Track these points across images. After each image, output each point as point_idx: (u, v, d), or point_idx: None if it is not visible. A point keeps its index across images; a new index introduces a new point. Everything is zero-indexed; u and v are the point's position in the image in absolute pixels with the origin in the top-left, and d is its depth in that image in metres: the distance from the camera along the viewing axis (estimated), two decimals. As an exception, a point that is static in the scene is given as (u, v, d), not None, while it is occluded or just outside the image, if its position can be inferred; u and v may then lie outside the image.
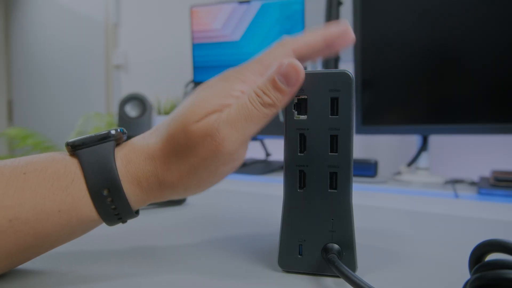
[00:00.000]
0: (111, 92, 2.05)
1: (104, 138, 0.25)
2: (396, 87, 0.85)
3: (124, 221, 0.26)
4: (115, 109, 1.98)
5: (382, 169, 0.96)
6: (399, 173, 0.90)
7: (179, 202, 0.50)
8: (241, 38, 1.07)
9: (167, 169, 0.24)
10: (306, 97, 0.25)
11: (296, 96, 0.25)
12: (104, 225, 0.26)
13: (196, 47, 1.13)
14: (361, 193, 0.63)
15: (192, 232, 0.37)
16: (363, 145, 1.14)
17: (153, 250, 0.31)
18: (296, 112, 0.25)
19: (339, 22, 0.27)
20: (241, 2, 1.06)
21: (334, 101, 0.25)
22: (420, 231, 0.38)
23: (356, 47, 0.88)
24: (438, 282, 0.25)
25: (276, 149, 1.12)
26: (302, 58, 0.26)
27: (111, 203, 0.24)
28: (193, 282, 0.25)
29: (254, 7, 1.05)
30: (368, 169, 0.82)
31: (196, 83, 1.15)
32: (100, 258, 0.29)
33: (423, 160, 0.86)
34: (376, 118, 0.87)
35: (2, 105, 2.80)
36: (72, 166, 0.24)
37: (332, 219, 0.25)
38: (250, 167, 0.94)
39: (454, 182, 0.79)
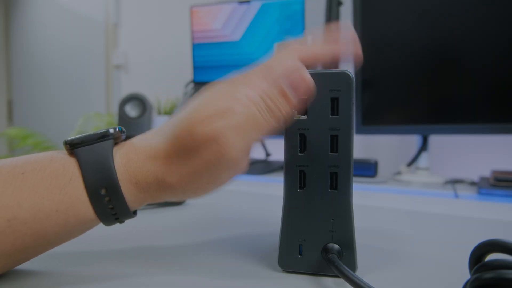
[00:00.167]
0: (111, 92, 2.05)
1: (102, 137, 0.25)
2: (396, 87, 0.85)
3: (121, 222, 0.26)
4: (115, 109, 1.98)
5: (382, 169, 0.96)
6: (399, 173, 0.90)
7: (179, 202, 0.50)
8: (241, 38, 1.07)
9: (168, 170, 0.24)
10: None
11: (296, 96, 0.25)
12: (103, 225, 0.26)
13: (196, 47, 1.13)
14: (361, 193, 0.63)
15: (192, 232, 0.37)
16: (363, 145, 1.14)
17: (153, 250, 0.31)
18: (296, 112, 0.25)
19: (353, 42, 0.26)
20: (241, 2, 1.06)
21: (334, 101, 0.25)
22: (420, 231, 0.38)
23: (356, 47, 0.88)
24: (438, 282, 0.25)
25: (276, 149, 1.12)
26: (304, 64, 0.26)
27: (109, 203, 0.24)
28: (193, 282, 0.25)
29: (254, 7, 1.05)
30: (368, 169, 0.82)
31: (196, 83, 1.15)
32: (100, 258, 0.29)
33: (423, 160, 0.86)
34: (376, 118, 0.87)
35: (2, 105, 2.80)
36: (70, 165, 0.24)
37: (332, 219, 0.25)
38: (250, 167, 0.94)
39: (454, 182, 0.79)
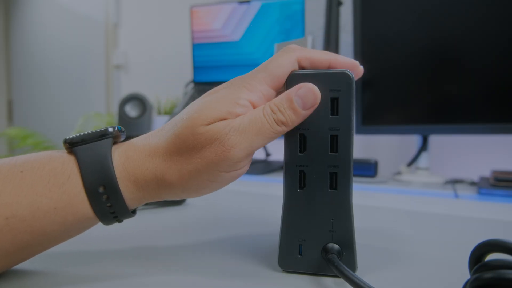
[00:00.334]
0: (111, 92, 2.05)
1: (102, 136, 0.25)
2: (396, 87, 0.85)
3: (120, 221, 0.26)
4: (115, 109, 1.98)
5: (382, 169, 0.96)
6: (399, 173, 0.90)
7: (179, 202, 0.50)
8: (241, 38, 1.07)
9: (168, 168, 0.24)
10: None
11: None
12: (103, 225, 0.26)
13: (196, 47, 1.13)
14: (361, 193, 0.63)
15: (192, 232, 0.37)
16: (363, 145, 1.14)
17: (153, 250, 0.31)
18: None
19: (352, 61, 0.27)
20: (241, 2, 1.06)
21: (334, 101, 0.25)
22: (420, 231, 0.38)
23: (356, 47, 0.88)
24: (438, 282, 0.25)
25: (276, 149, 1.12)
26: (301, 66, 0.26)
27: (107, 201, 0.24)
28: (193, 282, 0.25)
29: (254, 7, 1.05)
30: (368, 169, 0.82)
31: (196, 83, 1.15)
32: (100, 258, 0.29)
33: (423, 160, 0.86)
34: (376, 118, 0.87)
35: (2, 105, 2.80)
36: (69, 163, 0.24)
37: (332, 219, 0.25)
38: (250, 167, 0.94)
39: (454, 182, 0.79)
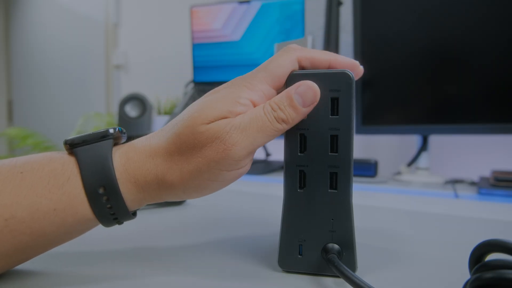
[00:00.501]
0: (111, 92, 2.05)
1: (102, 137, 0.25)
2: (396, 87, 0.85)
3: (120, 222, 0.26)
4: (115, 109, 1.98)
5: (382, 169, 0.96)
6: (399, 173, 0.90)
7: (179, 202, 0.50)
8: (241, 38, 1.07)
9: (169, 168, 0.24)
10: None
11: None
12: (103, 226, 0.26)
13: (196, 47, 1.13)
14: (361, 193, 0.63)
15: (192, 232, 0.37)
16: (363, 145, 1.14)
17: (153, 250, 0.31)
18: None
19: (352, 61, 0.27)
20: (241, 2, 1.06)
21: (334, 101, 0.25)
22: (420, 231, 0.38)
23: (356, 47, 0.88)
24: (438, 282, 0.25)
25: (276, 149, 1.12)
26: (301, 66, 0.26)
27: (107, 202, 0.24)
28: (193, 282, 0.25)
29: (254, 7, 1.05)
30: (368, 169, 0.82)
31: (196, 83, 1.15)
32: (99, 258, 0.29)
33: (423, 160, 0.86)
34: (376, 118, 0.87)
35: (2, 105, 2.80)
36: (69, 164, 0.24)
37: (332, 219, 0.25)
38: (250, 167, 0.94)
39: (454, 182, 0.79)
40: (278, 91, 0.26)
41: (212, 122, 0.23)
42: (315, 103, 0.24)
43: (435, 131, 0.82)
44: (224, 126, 0.23)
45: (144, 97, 1.15)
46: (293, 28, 1.01)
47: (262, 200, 0.55)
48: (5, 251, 0.23)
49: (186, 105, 1.06)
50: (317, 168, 0.25)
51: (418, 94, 0.83)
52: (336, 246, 0.25)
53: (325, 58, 0.26)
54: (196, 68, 1.14)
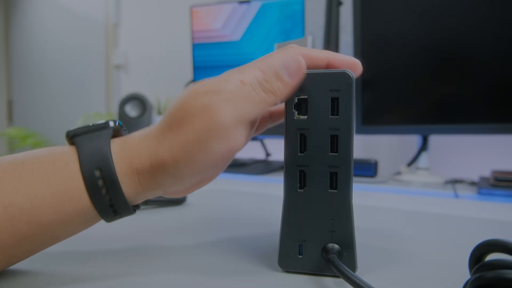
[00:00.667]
0: (111, 92, 2.05)
1: (102, 128, 0.25)
2: (396, 87, 0.85)
3: (117, 213, 0.25)
4: (115, 109, 1.98)
5: (382, 169, 0.96)
6: (399, 173, 0.90)
7: (179, 202, 0.50)
8: (241, 38, 1.07)
9: (159, 143, 0.24)
10: (306, 97, 0.25)
11: (296, 96, 0.25)
12: (103, 224, 0.25)
13: (196, 47, 1.13)
14: (361, 193, 0.63)
15: (192, 232, 0.37)
16: (363, 145, 1.14)
17: (153, 249, 0.31)
18: (296, 112, 0.25)
19: (352, 59, 0.27)
20: (241, 2, 1.06)
21: (335, 101, 0.25)
22: (420, 231, 0.38)
23: (356, 47, 0.88)
24: (438, 282, 0.25)
25: (276, 149, 1.12)
26: None
27: (103, 185, 0.24)
28: (192, 282, 0.25)
29: (254, 7, 1.05)
30: (368, 169, 0.82)
31: (196, 83, 1.15)
32: (97, 258, 0.29)
33: (423, 160, 0.87)
34: (376, 118, 0.88)
35: (2, 105, 2.80)
36: (68, 153, 0.24)
37: (332, 219, 0.25)
38: (250, 167, 0.94)
39: (454, 182, 0.79)
40: None
41: (201, 97, 0.24)
42: (301, 74, 0.25)
43: (435, 131, 0.82)
44: (211, 99, 0.23)
45: (144, 97, 1.15)
46: (293, 28, 1.01)
47: (262, 200, 0.55)
48: (4, 242, 0.23)
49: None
50: (317, 168, 0.25)
51: (418, 94, 0.83)
52: (336, 246, 0.25)
53: (323, 56, 0.26)
54: (196, 68, 1.14)
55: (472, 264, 0.20)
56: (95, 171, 0.23)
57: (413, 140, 0.99)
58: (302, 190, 0.26)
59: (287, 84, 0.24)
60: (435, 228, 0.40)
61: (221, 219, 0.42)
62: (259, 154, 1.13)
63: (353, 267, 0.25)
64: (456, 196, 0.64)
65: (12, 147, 2.58)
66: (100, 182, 0.24)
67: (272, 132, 0.96)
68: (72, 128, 0.26)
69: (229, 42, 1.08)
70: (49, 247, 0.26)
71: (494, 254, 0.19)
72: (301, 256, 0.26)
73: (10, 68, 2.78)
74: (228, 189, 0.64)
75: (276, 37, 1.03)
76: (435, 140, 0.98)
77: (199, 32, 1.12)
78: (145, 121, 1.10)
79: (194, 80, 1.15)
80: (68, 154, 0.24)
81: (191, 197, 0.54)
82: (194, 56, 1.14)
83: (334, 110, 0.25)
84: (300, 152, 0.25)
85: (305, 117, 0.25)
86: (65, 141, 0.26)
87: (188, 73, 1.29)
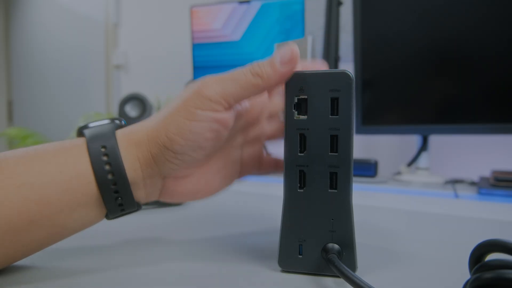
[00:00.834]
0: (111, 92, 2.05)
1: (108, 122, 0.28)
2: (396, 87, 0.85)
3: (118, 192, 0.26)
4: (115, 109, 1.98)
5: (382, 169, 0.96)
6: (399, 173, 0.90)
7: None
8: (241, 38, 1.07)
9: (154, 117, 0.27)
10: (306, 97, 0.25)
11: (296, 96, 0.25)
12: (105, 222, 0.25)
13: (196, 47, 1.13)
14: (361, 193, 0.63)
15: (192, 232, 0.37)
16: (363, 145, 1.14)
17: (152, 249, 0.31)
18: (296, 112, 0.25)
19: None
20: (241, 2, 1.06)
21: (334, 101, 0.25)
22: (420, 231, 0.38)
23: (356, 47, 0.88)
24: (438, 282, 0.25)
25: (276, 149, 1.12)
26: None
27: (107, 160, 0.25)
28: (192, 281, 0.25)
29: (254, 7, 1.05)
30: (368, 169, 0.82)
31: (196, 83, 1.15)
32: (98, 257, 0.29)
33: (423, 160, 0.87)
34: (376, 118, 0.88)
35: (2, 105, 2.80)
36: (77, 140, 0.27)
37: (332, 219, 0.25)
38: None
39: (454, 182, 0.79)
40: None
41: (196, 82, 0.26)
42: (293, 63, 0.25)
43: (435, 131, 0.82)
44: (203, 80, 0.26)
45: (144, 97, 1.15)
46: (293, 28, 1.01)
47: (262, 200, 0.55)
48: (13, 224, 0.23)
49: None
50: (317, 168, 0.25)
51: (418, 94, 0.83)
52: (336, 246, 0.25)
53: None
54: (196, 68, 1.14)
55: (472, 264, 0.20)
56: (101, 148, 0.25)
57: (413, 140, 0.99)
58: (302, 190, 0.26)
59: (276, 70, 0.25)
60: (435, 228, 0.40)
61: (221, 219, 0.42)
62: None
63: (353, 267, 0.25)
64: (456, 196, 0.64)
65: (12, 147, 2.58)
66: (105, 158, 0.25)
67: (272, 132, 0.95)
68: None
69: (229, 42, 1.08)
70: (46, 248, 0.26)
71: (494, 254, 0.19)
72: (301, 256, 0.26)
73: (10, 68, 2.78)
74: (228, 189, 0.64)
75: (276, 37, 1.03)
76: (435, 140, 0.98)
77: (199, 32, 1.12)
78: (145, 121, 1.10)
79: (194, 80, 1.15)
80: (76, 140, 0.27)
81: (191, 197, 0.54)
82: (194, 56, 1.14)
83: (334, 110, 0.25)
84: (300, 152, 0.25)
85: (305, 117, 0.25)
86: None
87: (188, 73, 1.29)
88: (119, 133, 0.27)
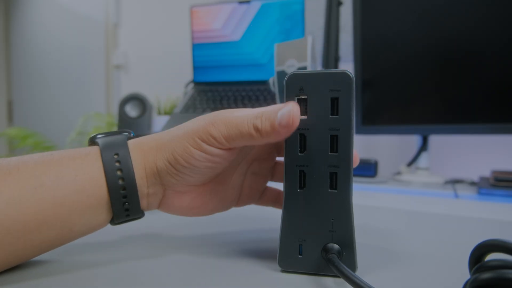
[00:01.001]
0: (111, 92, 2.05)
1: (119, 133, 0.29)
2: (396, 87, 0.85)
3: (126, 197, 0.27)
4: (115, 109, 1.98)
5: (382, 169, 0.96)
6: (399, 173, 0.90)
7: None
8: (241, 38, 1.07)
9: (167, 133, 0.29)
10: (306, 97, 0.25)
11: (296, 96, 0.25)
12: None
13: (196, 47, 1.13)
14: (361, 193, 0.63)
15: (192, 232, 0.37)
16: (363, 145, 1.14)
17: (152, 249, 0.31)
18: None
19: None
20: (241, 2, 1.06)
21: (334, 101, 0.25)
22: (420, 231, 0.38)
23: (356, 47, 0.88)
24: (438, 282, 0.25)
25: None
26: None
27: (119, 165, 0.27)
28: (192, 281, 0.25)
29: (254, 7, 1.05)
30: (368, 169, 0.82)
31: (196, 83, 1.15)
32: (96, 257, 0.29)
33: (423, 160, 0.87)
34: (376, 118, 0.88)
35: (2, 105, 2.80)
36: (91, 148, 0.28)
37: (332, 219, 0.25)
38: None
39: (454, 182, 0.79)
40: None
41: (211, 113, 0.28)
42: (291, 128, 0.25)
43: (435, 131, 0.82)
44: (214, 115, 0.27)
45: (144, 97, 1.15)
46: (293, 28, 1.01)
47: (262, 200, 0.55)
48: (27, 224, 0.24)
49: (186, 105, 1.06)
50: (317, 168, 0.25)
51: (418, 94, 0.83)
52: (336, 246, 0.25)
53: None
54: (196, 68, 1.14)
55: (472, 264, 0.20)
56: (113, 155, 0.27)
57: (413, 140, 0.99)
58: (302, 190, 0.26)
59: (275, 130, 0.25)
60: (435, 228, 0.40)
61: (221, 219, 0.42)
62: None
63: (353, 267, 0.25)
64: (456, 196, 0.64)
65: (12, 147, 2.58)
66: (117, 165, 0.27)
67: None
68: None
69: (229, 42, 1.08)
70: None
71: (494, 254, 0.19)
72: (301, 256, 0.26)
73: (10, 68, 2.78)
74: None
75: (276, 37, 1.03)
76: (435, 140, 0.98)
77: (199, 32, 1.12)
78: (145, 121, 1.10)
79: (194, 80, 1.15)
80: (90, 148, 0.28)
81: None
82: (194, 56, 1.14)
83: (334, 110, 0.25)
84: (300, 152, 0.25)
85: (305, 117, 0.25)
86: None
87: (188, 73, 1.29)
88: (130, 142, 0.29)
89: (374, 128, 0.88)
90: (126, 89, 1.92)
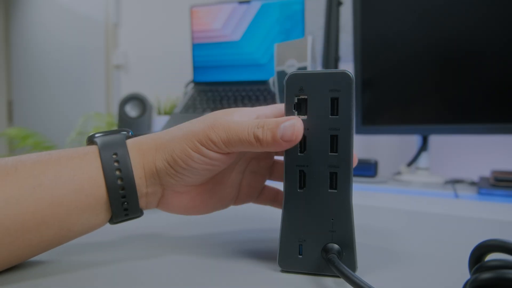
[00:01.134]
0: (111, 92, 2.05)
1: (117, 132, 0.29)
2: (396, 87, 0.85)
3: (124, 196, 0.27)
4: (115, 109, 1.98)
5: (382, 169, 0.96)
6: (399, 173, 0.90)
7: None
8: (241, 38, 1.07)
9: (166, 132, 0.29)
10: (306, 97, 0.25)
11: (296, 96, 0.25)
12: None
13: (196, 47, 1.13)
14: (361, 193, 0.63)
15: (191, 231, 0.37)
16: (363, 145, 1.14)
17: (152, 249, 0.31)
18: (296, 112, 0.25)
19: None
20: (241, 2, 1.06)
21: (334, 101, 0.25)
22: (420, 231, 0.38)
23: (356, 47, 0.88)
24: (438, 282, 0.25)
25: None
26: None
27: (117, 165, 0.27)
28: (192, 281, 0.25)
29: (254, 7, 1.05)
30: (368, 169, 0.82)
31: (196, 83, 1.15)
32: (95, 256, 0.29)
33: (423, 160, 0.87)
34: (376, 118, 0.88)
35: (2, 105, 2.79)
36: (90, 148, 0.28)
37: (332, 219, 0.25)
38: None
39: (454, 182, 0.79)
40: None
41: (215, 113, 0.28)
42: (293, 143, 0.25)
43: (435, 131, 0.82)
44: (216, 116, 0.27)
45: (144, 97, 1.15)
46: (293, 28, 1.01)
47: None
48: (26, 223, 0.24)
49: (186, 105, 1.06)
50: (317, 168, 0.25)
51: (418, 94, 0.83)
52: (336, 246, 0.25)
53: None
54: (196, 68, 1.14)
55: (472, 264, 0.20)
56: (112, 155, 0.27)
57: (413, 140, 0.99)
58: (302, 190, 0.26)
59: (276, 142, 0.25)
60: (435, 228, 0.40)
61: (220, 219, 0.42)
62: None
63: (353, 267, 0.25)
64: (456, 196, 0.64)
65: (12, 147, 2.57)
66: (116, 164, 0.27)
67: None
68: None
69: (229, 42, 1.08)
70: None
71: (494, 254, 0.19)
72: (301, 256, 0.26)
73: (10, 68, 2.78)
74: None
75: (276, 37, 1.03)
76: (435, 140, 0.98)
77: (199, 32, 1.12)
78: (145, 121, 1.10)
79: (194, 80, 1.15)
80: (88, 148, 0.28)
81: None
82: (194, 56, 1.14)
83: (334, 110, 0.25)
84: (300, 152, 0.25)
85: (305, 117, 0.25)
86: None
87: (188, 73, 1.29)
88: (129, 142, 0.28)
89: (374, 128, 0.88)
90: (126, 89, 1.92)
